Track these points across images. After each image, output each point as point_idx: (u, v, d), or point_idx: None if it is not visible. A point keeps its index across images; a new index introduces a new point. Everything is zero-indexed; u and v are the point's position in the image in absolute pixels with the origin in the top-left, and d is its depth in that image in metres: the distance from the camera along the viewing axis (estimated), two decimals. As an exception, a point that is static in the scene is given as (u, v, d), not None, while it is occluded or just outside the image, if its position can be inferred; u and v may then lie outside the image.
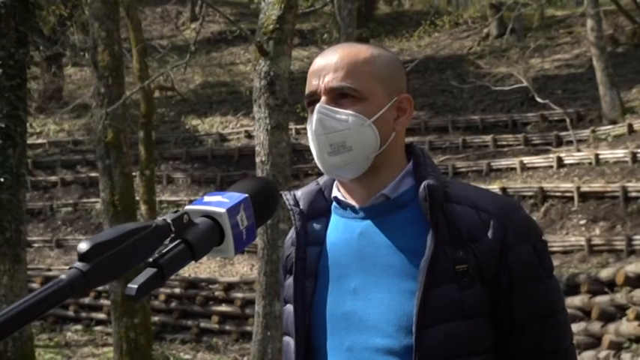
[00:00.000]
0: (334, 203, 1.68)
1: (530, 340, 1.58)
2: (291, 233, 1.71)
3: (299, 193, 1.70)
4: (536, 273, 1.58)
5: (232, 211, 1.12)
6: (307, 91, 1.63)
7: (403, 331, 1.53)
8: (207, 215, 1.12)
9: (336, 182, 1.69)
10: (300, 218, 1.67)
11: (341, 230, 1.64)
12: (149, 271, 1.04)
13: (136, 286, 1.02)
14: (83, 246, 0.98)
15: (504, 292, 1.55)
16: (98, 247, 0.98)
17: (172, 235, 1.07)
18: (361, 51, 1.63)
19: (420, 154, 1.66)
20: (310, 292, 1.64)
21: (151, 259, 1.05)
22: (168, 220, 1.07)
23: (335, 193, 1.68)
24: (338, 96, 1.59)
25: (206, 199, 1.15)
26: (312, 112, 1.61)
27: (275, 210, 1.26)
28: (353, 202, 1.64)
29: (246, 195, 1.15)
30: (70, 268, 0.97)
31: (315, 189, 1.71)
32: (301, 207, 1.68)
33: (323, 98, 1.60)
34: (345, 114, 1.58)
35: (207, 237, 1.10)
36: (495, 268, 1.55)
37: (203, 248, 1.09)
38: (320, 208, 1.69)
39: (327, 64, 1.61)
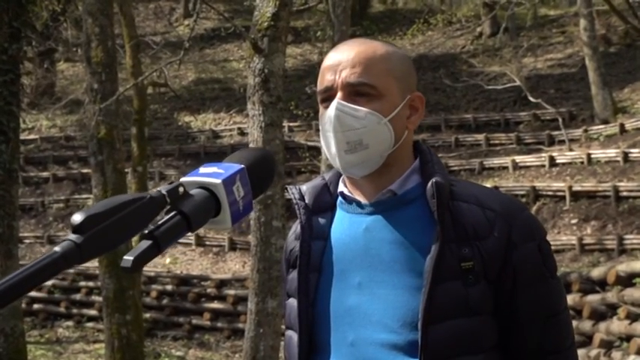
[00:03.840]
0: (340, 198, 1.67)
1: (531, 339, 1.58)
2: (295, 227, 1.70)
3: (304, 187, 1.69)
4: (540, 273, 1.59)
5: (228, 181, 1.11)
6: (322, 85, 1.60)
7: (408, 326, 1.54)
8: (203, 186, 1.10)
9: (342, 177, 1.67)
10: (305, 212, 1.66)
11: (346, 225, 1.64)
12: (145, 243, 1.02)
13: (131, 258, 1.01)
14: (77, 218, 0.96)
15: (508, 290, 1.56)
16: (92, 218, 0.97)
17: (168, 207, 1.06)
18: (377, 48, 1.62)
19: (427, 151, 1.66)
20: (314, 286, 1.63)
21: (146, 231, 1.03)
22: (163, 192, 1.05)
23: (341, 188, 1.67)
24: (354, 92, 1.57)
25: (202, 170, 1.14)
26: (326, 107, 1.59)
27: (272, 181, 1.24)
28: (359, 198, 1.63)
29: (242, 166, 1.14)
30: (63, 240, 0.96)
31: (321, 184, 1.70)
32: (306, 201, 1.66)
33: (339, 94, 1.57)
34: (363, 112, 1.56)
35: (204, 208, 1.09)
36: (500, 266, 1.55)
37: (199, 219, 1.08)
38: (325, 202, 1.68)
39: (344, 60, 1.59)
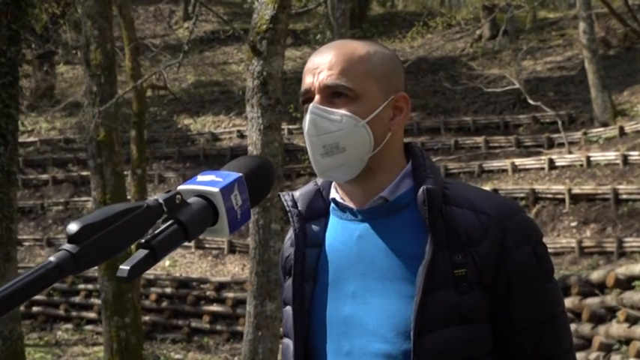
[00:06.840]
0: (332, 205, 1.65)
1: (529, 344, 1.56)
2: (291, 233, 1.67)
3: (297, 194, 1.67)
4: (536, 276, 1.55)
5: (226, 190, 1.10)
6: (302, 89, 1.59)
7: (402, 336, 1.51)
8: (201, 195, 1.09)
9: (334, 183, 1.65)
10: (299, 220, 1.63)
11: (340, 232, 1.62)
12: (141, 253, 1.02)
13: (127, 268, 1.00)
14: (72, 227, 0.95)
15: (503, 296, 1.53)
16: (87, 228, 0.95)
17: (165, 216, 1.05)
18: (357, 48, 1.59)
19: (419, 154, 1.62)
20: (309, 295, 1.62)
21: (142, 240, 1.02)
22: (160, 201, 1.04)
23: (333, 194, 1.64)
24: (332, 95, 1.55)
25: (199, 178, 1.12)
26: (306, 111, 1.57)
27: (270, 189, 1.23)
28: (351, 205, 1.61)
29: (241, 174, 1.13)
30: (58, 250, 0.95)
31: (314, 190, 1.67)
32: (299, 208, 1.64)
33: (317, 97, 1.55)
34: (339, 114, 1.53)
35: (201, 217, 1.08)
36: (494, 272, 1.52)
37: (197, 228, 1.07)
38: (318, 209, 1.65)
39: (322, 62, 1.57)
